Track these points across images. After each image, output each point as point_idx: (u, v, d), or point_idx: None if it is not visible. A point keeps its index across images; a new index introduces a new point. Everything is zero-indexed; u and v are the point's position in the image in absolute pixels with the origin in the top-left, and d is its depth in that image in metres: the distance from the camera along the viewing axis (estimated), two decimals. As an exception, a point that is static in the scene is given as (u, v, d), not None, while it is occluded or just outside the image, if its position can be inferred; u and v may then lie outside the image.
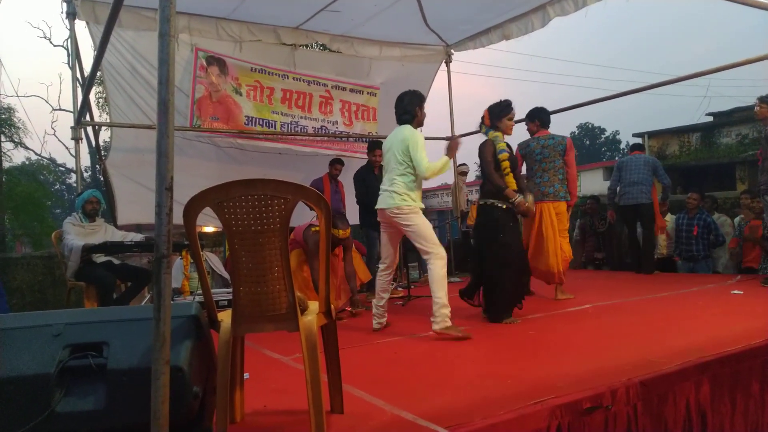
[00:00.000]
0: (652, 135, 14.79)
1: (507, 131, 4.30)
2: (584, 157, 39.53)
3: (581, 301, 4.89)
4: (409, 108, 3.96)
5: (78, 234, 4.96)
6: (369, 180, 6.14)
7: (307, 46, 8.13)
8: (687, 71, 6.34)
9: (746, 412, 2.91)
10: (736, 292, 4.85)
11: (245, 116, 7.04)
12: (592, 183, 17.50)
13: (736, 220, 6.94)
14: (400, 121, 4.04)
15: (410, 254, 7.73)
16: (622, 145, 36.46)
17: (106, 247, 4.94)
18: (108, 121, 6.85)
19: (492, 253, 4.18)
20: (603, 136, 51.52)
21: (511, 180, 4.18)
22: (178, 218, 1.97)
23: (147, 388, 1.61)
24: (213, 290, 6.06)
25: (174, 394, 1.66)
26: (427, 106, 8.46)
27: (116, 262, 5.15)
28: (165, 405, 1.61)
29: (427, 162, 3.78)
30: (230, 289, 6.01)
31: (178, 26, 6.53)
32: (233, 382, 2.23)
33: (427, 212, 3.94)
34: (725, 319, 3.85)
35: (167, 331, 1.63)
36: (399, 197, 3.81)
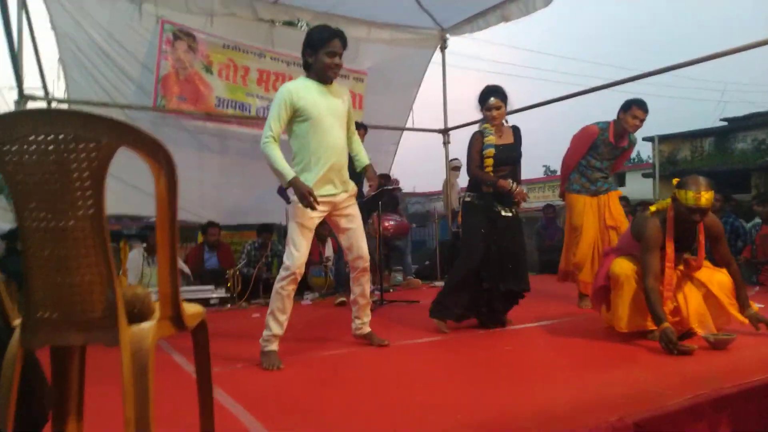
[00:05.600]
0: (662, 139, 14.04)
1: (490, 121, 3.69)
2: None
3: (577, 309, 4.23)
4: (302, 55, 3.00)
5: (3, 219, 4.36)
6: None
7: (292, 23, 7.53)
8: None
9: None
10: (757, 305, 4.14)
11: (216, 97, 6.44)
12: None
13: (749, 225, 6.25)
14: None
15: (393, 254, 7.10)
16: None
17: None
18: (66, 98, 6.26)
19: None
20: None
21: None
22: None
23: None
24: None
25: None
26: (420, 96, 8.05)
27: (46, 250, 4.54)
28: None
29: (270, 132, 2.84)
30: (194, 287, 5.50)
31: (142, -6, 5.94)
32: (64, 409, 1.60)
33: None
34: (747, 339, 3.14)
35: None
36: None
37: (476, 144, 3.69)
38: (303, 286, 5.89)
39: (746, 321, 3.03)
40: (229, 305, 5.10)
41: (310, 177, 2.91)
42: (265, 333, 2.89)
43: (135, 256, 5.46)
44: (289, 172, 2.83)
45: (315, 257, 6.36)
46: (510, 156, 3.69)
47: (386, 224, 6.41)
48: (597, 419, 1.85)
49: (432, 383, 2.48)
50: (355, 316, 3.29)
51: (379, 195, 5.17)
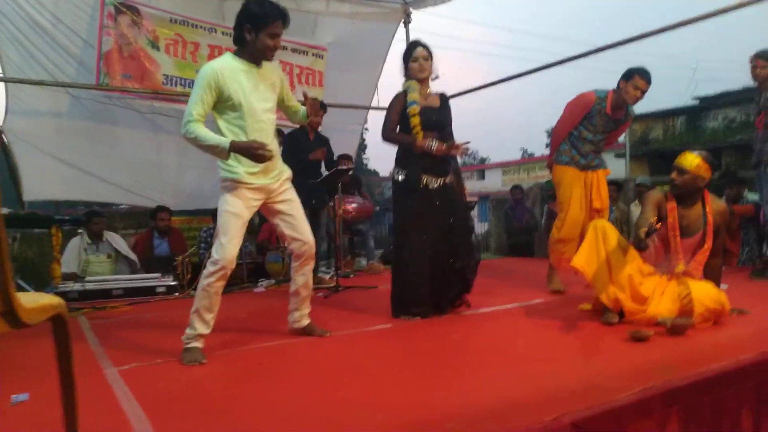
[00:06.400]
0: (634, 118, 13.96)
1: (416, 74, 3.37)
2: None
3: (538, 293, 4.05)
4: (235, 26, 2.66)
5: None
6: (303, 145, 5.20)
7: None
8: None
9: (731, 455, 2.07)
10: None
11: (163, 75, 6.09)
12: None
13: None
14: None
15: (356, 238, 6.86)
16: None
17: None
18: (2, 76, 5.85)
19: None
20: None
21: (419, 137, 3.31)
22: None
23: None
24: (114, 276, 5.14)
25: None
26: (386, 74, 7.76)
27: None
28: None
29: (192, 115, 2.52)
30: (139, 275, 5.19)
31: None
32: None
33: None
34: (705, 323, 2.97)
35: None
36: (219, 169, 2.71)
37: (396, 105, 3.35)
38: (259, 273, 5.63)
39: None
40: (177, 294, 4.82)
41: (240, 164, 2.65)
42: (188, 331, 2.61)
43: (75, 243, 5.14)
44: (224, 141, 2.52)
45: (272, 243, 6.11)
46: (436, 120, 3.35)
47: (348, 207, 6.16)
48: (531, 418, 1.64)
49: (365, 377, 2.26)
50: (293, 308, 3.01)
51: (335, 175, 4.92)
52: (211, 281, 2.59)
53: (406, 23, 7.41)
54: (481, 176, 26.94)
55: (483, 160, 38.23)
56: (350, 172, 5.67)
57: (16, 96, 5.88)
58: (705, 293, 2.86)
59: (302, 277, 2.95)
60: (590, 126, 4.02)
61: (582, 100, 4.01)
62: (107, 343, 3.03)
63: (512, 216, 7.91)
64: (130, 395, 2.09)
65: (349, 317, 3.52)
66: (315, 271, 5.25)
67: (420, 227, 3.31)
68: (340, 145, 6.48)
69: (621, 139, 16.04)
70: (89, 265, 5.23)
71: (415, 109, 3.28)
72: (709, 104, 13.27)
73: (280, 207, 2.84)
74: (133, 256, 5.50)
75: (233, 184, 2.66)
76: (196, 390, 2.17)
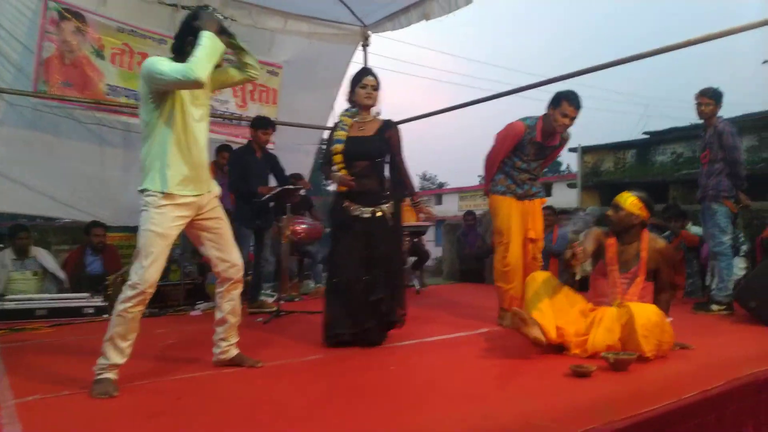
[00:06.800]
0: (586, 150, 14.20)
1: (363, 101, 3.32)
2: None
3: (484, 322, 3.94)
4: (177, 35, 2.60)
5: None
6: (249, 163, 5.00)
7: (200, 9, 7.00)
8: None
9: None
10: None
11: (107, 84, 5.82)
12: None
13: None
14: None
15: (305, 260, 6.67)
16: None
17: None
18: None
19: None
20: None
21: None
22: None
23: None
24: (38, 294, 4.78)
25: None
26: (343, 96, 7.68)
27: None
28: None
29: (178, 65, 2.37)
30: (66, 295, 4.85)
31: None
32: None
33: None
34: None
35: None
36: (143, 178, 2.52)
37: (330, 138, 3.41)
38: (198, 294, 5.35)
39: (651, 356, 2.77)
40: (106, 315, 4.51)
41: (170, 174, 2.47)
42: (101, 361, 2.36)
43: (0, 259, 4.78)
44: (205, 33, 2.42)
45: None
46: (365, 150, 3.28)
47: (297, 228, 5.96)
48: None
49: (284, 417, 2.07)
50: (220, 338, 2.77)
51: (283, 194, 4.74)
52: (127, 306, 2.37)
53: (365, 46, 7.35)
54: (439, 201, 27.15)
55: (441, 185, 38.64)
56: (301, 191, 5.51)
57: (-56, 101, 5.51)
58: (646, 308, 2.87)
59: (229, 303, 2.75)
60: (523, 155, 3.90)
61: (511, 132, 3.87)
62: (15, 371, 2.76)
63: (464, 241, 7.85)
64: (19, 434, 1.85)
65: (286, 345, 3.34)
66: (258, 293, 5.11)
67: (345, 253, 3.24)
68: (294, 164, 6.33)
69: (574, 169, 16.34)
70: (12, 283, 4.89)
71: (337, 147, 3.29)
72: (658, 139, 13.67)
73: (208, 224, 2.65)
74: (61, 274, 5.16)
75: (159, 199, 2.45)
76: (98, 428, 1.95)
